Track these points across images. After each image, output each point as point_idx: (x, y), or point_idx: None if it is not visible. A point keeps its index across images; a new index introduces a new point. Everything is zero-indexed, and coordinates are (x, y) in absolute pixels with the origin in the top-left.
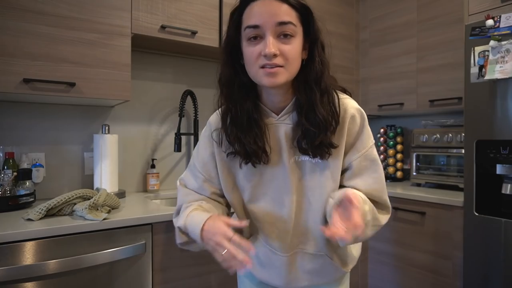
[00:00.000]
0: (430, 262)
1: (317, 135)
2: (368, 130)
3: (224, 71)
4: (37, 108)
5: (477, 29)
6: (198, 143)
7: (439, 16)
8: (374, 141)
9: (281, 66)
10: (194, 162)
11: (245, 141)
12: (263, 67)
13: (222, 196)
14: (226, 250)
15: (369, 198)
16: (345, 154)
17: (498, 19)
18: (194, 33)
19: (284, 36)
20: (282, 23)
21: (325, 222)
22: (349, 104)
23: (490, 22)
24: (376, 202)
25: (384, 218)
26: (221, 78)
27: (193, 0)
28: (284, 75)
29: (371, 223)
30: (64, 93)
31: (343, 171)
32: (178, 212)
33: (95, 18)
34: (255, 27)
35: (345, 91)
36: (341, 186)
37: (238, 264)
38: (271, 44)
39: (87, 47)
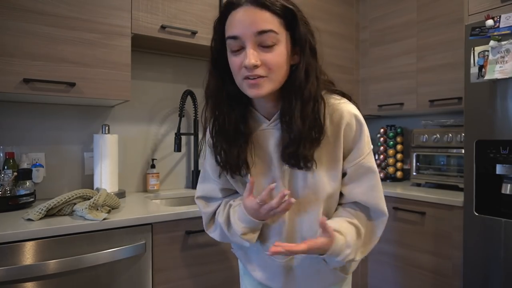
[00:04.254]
0: (430, 262)
1: (297, 146)
2: (366, 136)
3: (210, 81)
4: (37, 108)
5: (477, 29)
6: (206, 150)
7: (439, 16)
8: (372, 147)
9: (265, 77)
10: (207, 169)
11: (229, 152)
12: (246, 78)
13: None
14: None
15: (364, 205)
16: (343, 159)
17: (498, 19)
18: (194, 33)
19: (265, 45)
20: (262, 32)
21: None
22: (345, 110)
23: (490, 22)
24: (369, 209)
25: (376, 230)
26: (207, 88)
27: (193, 0)
28: (268, 86)
29: (354, 249)
30: (64, 93)
31: (342, 175)
32: (207, 222)
33: (95, 18)
34: (235, 38)
35: (343, 94)
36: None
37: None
38: (251, 55)
39: (87, 47)
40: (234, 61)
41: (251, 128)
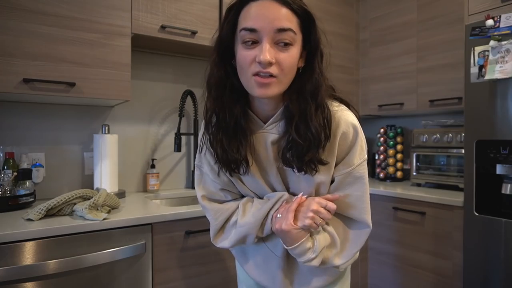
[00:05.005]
0: (430, 262)
1: (307, 151)
2: (360, 146)
3: (214, 72)
4: (37, 108)
5: (477, 29)
6: (199, 148)
7: (439, 16)
8: (366, 158)
9: (275, 77)
10: (205, 171)
11: (228, 148)
12: (256, 74)
13: (243, 196)
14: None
15: (346, 216)
16: (334, 168)
17: (498, 19)
18: (194, 33)
19: (282, 43)
20: (282, 30)
21: None
22: (343, 118)
23: (490, 22)
24: (352, 219)
25: (356, 240)
26: (210, 79)
27: (193, 0)
28: (277, 87)
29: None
30: (64, 93)
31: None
32: (217, 232)
33: (95, 18)
34: (252, 30)
35: (341, 101)
36: None
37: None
38: (267, 52)
39: (87, 47)
40: (245, 55)
41: (250, 128)
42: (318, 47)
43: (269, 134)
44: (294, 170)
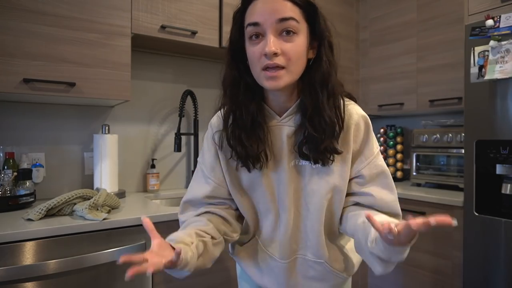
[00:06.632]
0: (430, 262)
1: (321, 140)
2: (373, 136)
3: (228, 72)
4: (37, 108)
5: (477, 29)
6: (202, 148)
7: (439, 16)
8: (379, 147)
9: (282, 68)
10: (202, 168)
11: (247, 144)
12: (265, 69)
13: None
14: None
15: (384, 211)
16: (353, 162)
17: (498, 19)
18: (194, 33)
19: (286, 33)
20: (283, 19)
21: (324, 229)
22: (354, 110)
23: (490, 22)
24: (388, 213)
25: None
26: (225, 79)
27: (193, 0)
28: (287, 77)
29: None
30: (64, 93)
31: (352, 179)
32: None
33: (95, 18)
34: (255, 24)
35: (351, 97)
36: (353, 193)
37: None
38: (271, 43)
39: (87, 47)
40: (253, 50)
41: (265, 122)
42: (324, 36)
43: (284, 127)
44: (311, 162)
